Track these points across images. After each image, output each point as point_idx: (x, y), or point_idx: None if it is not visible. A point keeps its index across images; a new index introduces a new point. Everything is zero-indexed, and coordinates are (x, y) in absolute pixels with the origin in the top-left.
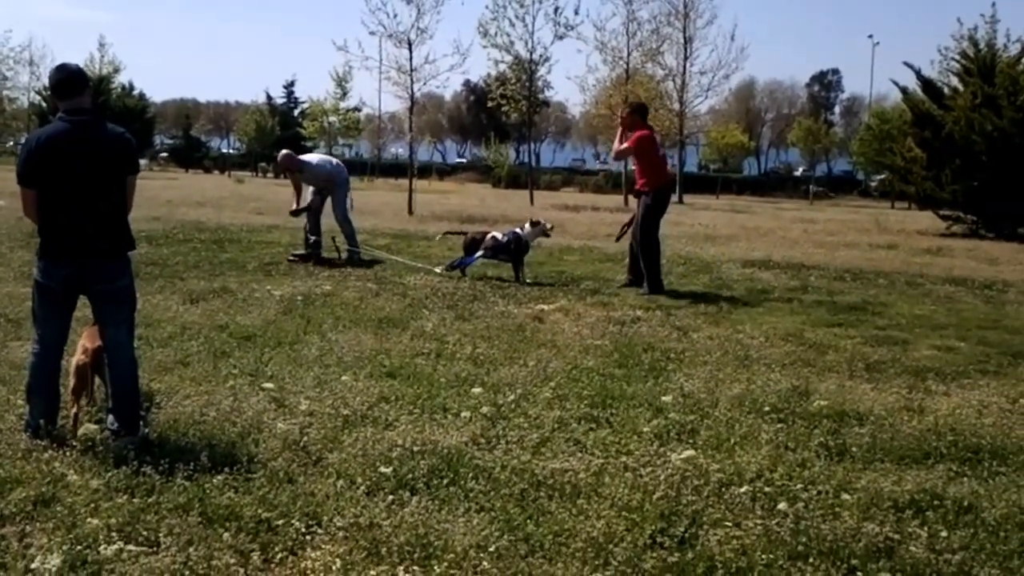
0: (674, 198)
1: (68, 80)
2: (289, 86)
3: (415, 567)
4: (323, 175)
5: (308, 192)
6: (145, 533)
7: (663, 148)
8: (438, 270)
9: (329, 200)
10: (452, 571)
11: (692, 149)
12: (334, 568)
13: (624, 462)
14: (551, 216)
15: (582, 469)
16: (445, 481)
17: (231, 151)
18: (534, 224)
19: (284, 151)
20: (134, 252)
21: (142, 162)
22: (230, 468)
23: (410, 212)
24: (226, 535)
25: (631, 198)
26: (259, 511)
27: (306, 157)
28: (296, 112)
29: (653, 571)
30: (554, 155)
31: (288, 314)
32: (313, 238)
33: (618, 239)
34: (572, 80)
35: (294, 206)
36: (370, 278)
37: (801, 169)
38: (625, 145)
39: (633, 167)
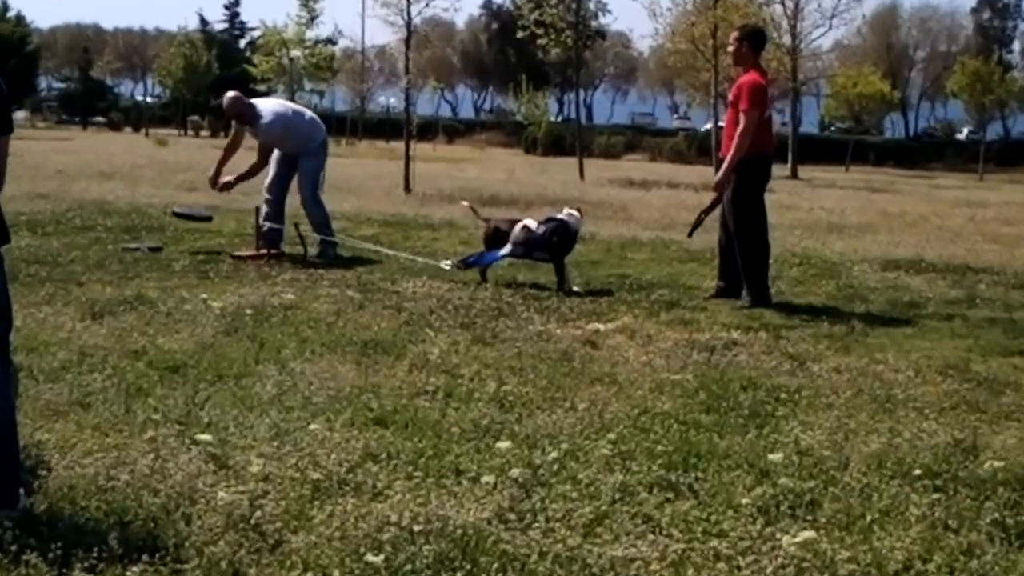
0: (785, 171)
1: None
2: (232, 5)
3: None
4: (295, 134)
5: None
6: None
7: (771, 105)
8: (446, 265)
9: (297, 171)
10: None
11: (810, 102)
12: None
13: (715, 548)
14: (608, 197)
15: (655, 558)
16: (459, 575)
17: (149, 100)
18: (578, 210)
19: (231, 93)
20: (8, 246)
21: (19, 115)
22: (150, 556)
23: (407, 189)
24: None
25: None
26: None
27: (265, 104)
28: (243, 43)
29: None
30: (613, 108)
31: (232, 335)
32: (267, 225)
33: (692, 233)
34: (638, 2)
35: (227, 178)
36: (350, 283)
37: (966, 130)
38: (743, 108)
39: (722, 123)
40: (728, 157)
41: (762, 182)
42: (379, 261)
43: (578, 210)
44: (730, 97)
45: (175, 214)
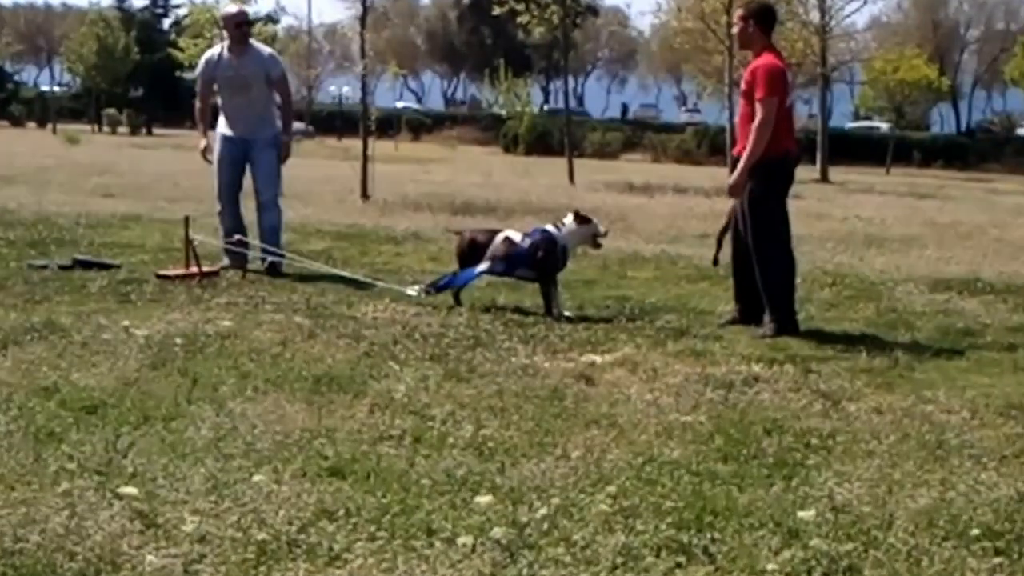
0: (814, 173)
1: None
2: None
3: None
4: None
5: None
6: None
7: (792, 92)
8: (413, 292)
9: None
10: None
11: (842, 90)
12: None
13: None
14: (604, 204)
15: None
16: None
17: (56, 89)
18: (580, 219)
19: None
20: None
21: None
22: None
23: (364, 195)
24: None
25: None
26: None
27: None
28: (167, 23)
29: None
30: (609, 98)
31: (160, 369)
32: (237, 236)
33: (716, 260)
34: None
35: (204, 145)
36: (298, 307)
37: None
38: (759, 96)
39: (736, 119)
40: (744, 155)
41: (784, 185)
42: (332, 281)
43: (576, 215)
44: (742, 86)
45: (76, 261)
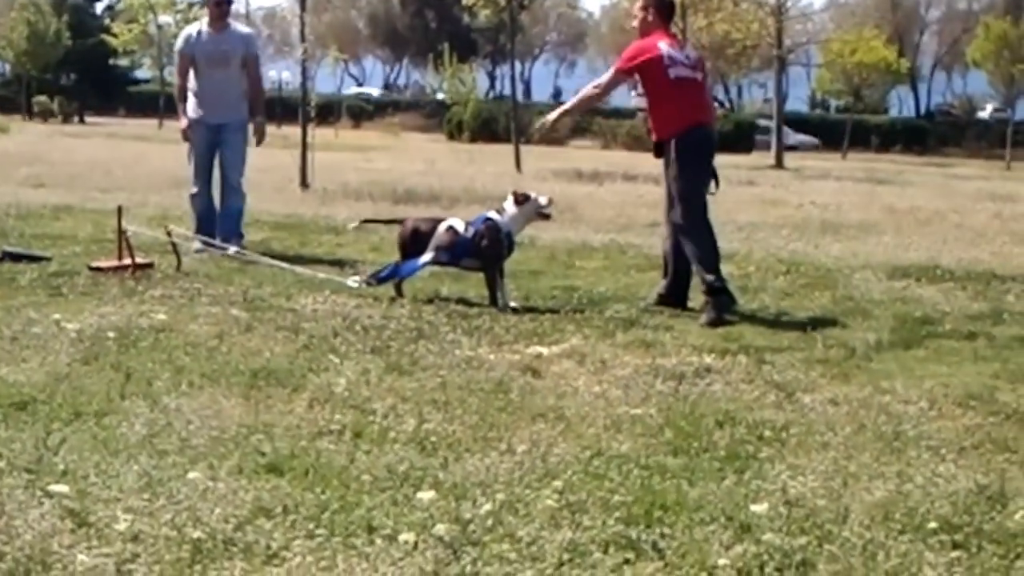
0: (768, 158)
1: None
2: None
3: None
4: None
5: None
6: None
7: (697, 70)
8: (354, 283)
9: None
10: None
11: (798, 73)
12: None
13: None
14: (551, 192)
15: None
16: None
17: None
18: (520, 200)
19: None
20: None
21: None
22: None
23: (304, 184)
24: None
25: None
26: None
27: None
28: (100, 8)
29: None
30: (557, 82)
31: (92, 363)
32: (198, 243)
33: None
34: None
35: (187, 123)
36: (235, 299)
37: (990, 108)
38: (608, 74)
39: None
40: (568, 103)
41: (701, 159)
42: (270, 273)
43: (514, 196)
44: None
45: (6, 254)
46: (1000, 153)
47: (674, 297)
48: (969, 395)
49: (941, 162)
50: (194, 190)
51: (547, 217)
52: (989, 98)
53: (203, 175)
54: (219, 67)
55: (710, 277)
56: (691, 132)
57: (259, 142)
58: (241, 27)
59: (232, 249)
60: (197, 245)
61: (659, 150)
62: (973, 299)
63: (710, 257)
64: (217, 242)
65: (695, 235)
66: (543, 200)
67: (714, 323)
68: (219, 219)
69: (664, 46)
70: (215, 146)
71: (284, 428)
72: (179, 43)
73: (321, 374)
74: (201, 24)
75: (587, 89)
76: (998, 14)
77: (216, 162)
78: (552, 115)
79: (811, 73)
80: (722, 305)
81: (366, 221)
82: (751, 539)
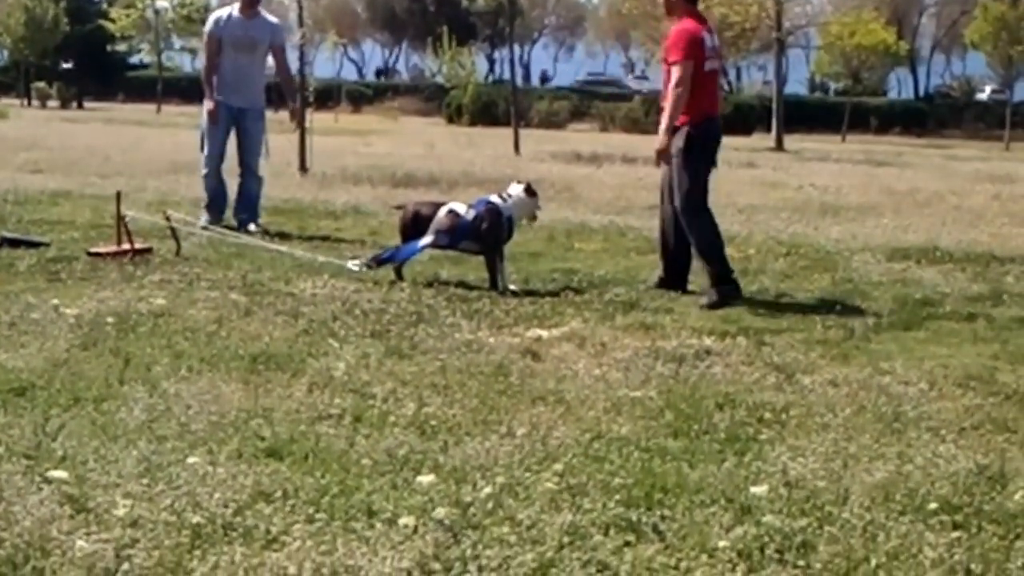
0: (768, 141)
1: None
2: None
3: None
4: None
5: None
6: None
7: (718, 58)
8: (354, 266)
9: (240, 134)
10: None
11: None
12: None
13: None
14: (550, 174)
15: None
16: None
17: None
18: (531, 192)
19: None
20: None
21: None
22: None
23: (303, 169)
24: None
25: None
26: None
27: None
28: None
29: None
30: (556, 67)
31: (91, 349)
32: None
33: None
34: None
35: (211, 106)
36: (234, 284)
37: (989, 89)
38: (673, 60)
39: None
40: (663, 119)
41: (707, 151)
42: (269, 257)
43: (527, 187)
44: (661, 54)
45: (4, 239)
46: (999, 134)
47: (673, 280)
48: (969, 376)
49: (940, 144)
50: (205, 171)
51: (534, 219)
52: (988, 80)
53: (216, 159)
54: (245, 52)
55: (716, 267)
56: (705, 123)
57: (299, 125)
58: (270, 16)
59: (251, 228)
60: (203, 222)
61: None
62: (972, 280)
63: (714, 245)
64: (217, 229)
65: (698, 222)
66: (539, 204)
67: (714, 306)
68: (237, 203)
69: (705, 35)
70: (230, 129)
71: (283, 412)
72: (209, 24)
73: (320, 358)
74: (232, 8)
75: (671, 97)
76: None
77: (234, 147)
78: (662, 138)
79: (810, 56)
80: (727, 293)
81: (397, 208)
82: (751, 521)
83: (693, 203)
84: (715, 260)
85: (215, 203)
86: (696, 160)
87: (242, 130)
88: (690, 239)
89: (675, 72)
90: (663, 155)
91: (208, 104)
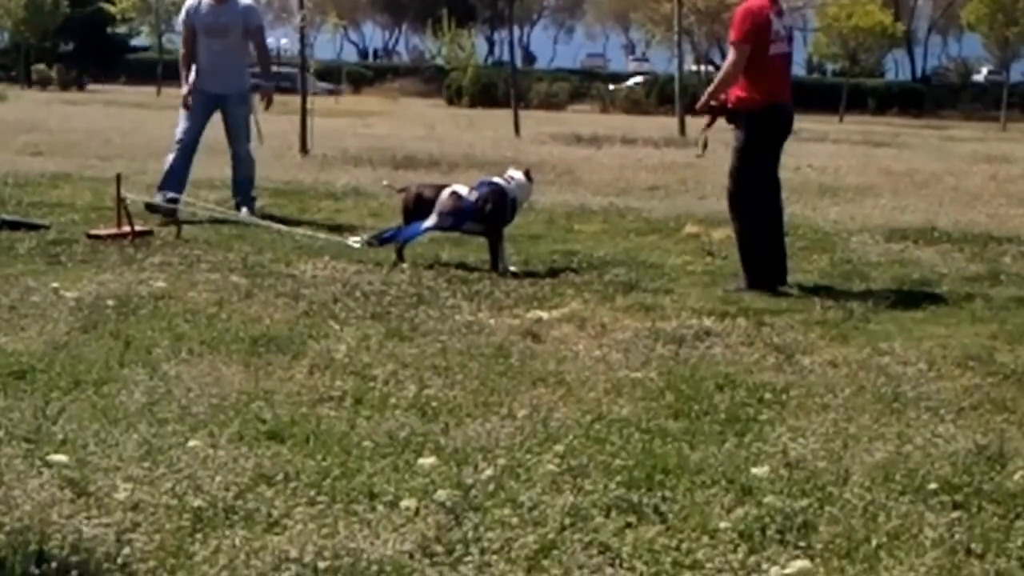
0: None
1: None
2: None
3: None
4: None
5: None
6: None
7: (786, 40)
8: (355, 243)
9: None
10: None
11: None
12: None
13: None
14: (550, 156)
15: None
16: None
17: None
18: (530, 177)
19: None
20: None
21: None
22: None
23: (303, 150)
24: None
25: (690, 122)
26: None
27: None
28: None
29: None
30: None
31: (91, 331)
32: (169, 194)
33: (703, 152)
34: None
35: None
36: (235, 266)
37: (985, 71)
38: (731, 40)
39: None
40: (710, 88)
41: (772, 140)
42: (269, 239)
43: (526, 172)
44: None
45: (3, 222)
46: (995, 115)
47: (774, 276)
48: (967, 356)
49: (937, 124)
50: (174, 151)
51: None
52: (984, 61)
53: (186, 139)
54: (217, 38)
55: (748, 265)
56: (770, 110)
57: (267, 107)
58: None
59: (242, 212)
60: (155, 201)
61: (732, 117)
62: (970, 261)
63: (753, 243)
64: (163, 204)
65: (746, 212)
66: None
67: (733, 291)
68: (233, 187)
69: (773, 17)
70: (209, 115)
71: (284, 395)
72: (182, 14)
73: (321, 340)
74: None
75: (721, 74)
76: None
77: (223, 133)
78: (703, 99)
79: (807, 37)
80: (755, 286)
81: (391, 187)
82: (752, 502)
83: (745, 192)
84: (749, 258)
85: (169, 178)
86: (756, 147)
87: (227, 115)
88: (733, 225)
89: (730, 53)
90: (702, 109)
91: (183, 90)
